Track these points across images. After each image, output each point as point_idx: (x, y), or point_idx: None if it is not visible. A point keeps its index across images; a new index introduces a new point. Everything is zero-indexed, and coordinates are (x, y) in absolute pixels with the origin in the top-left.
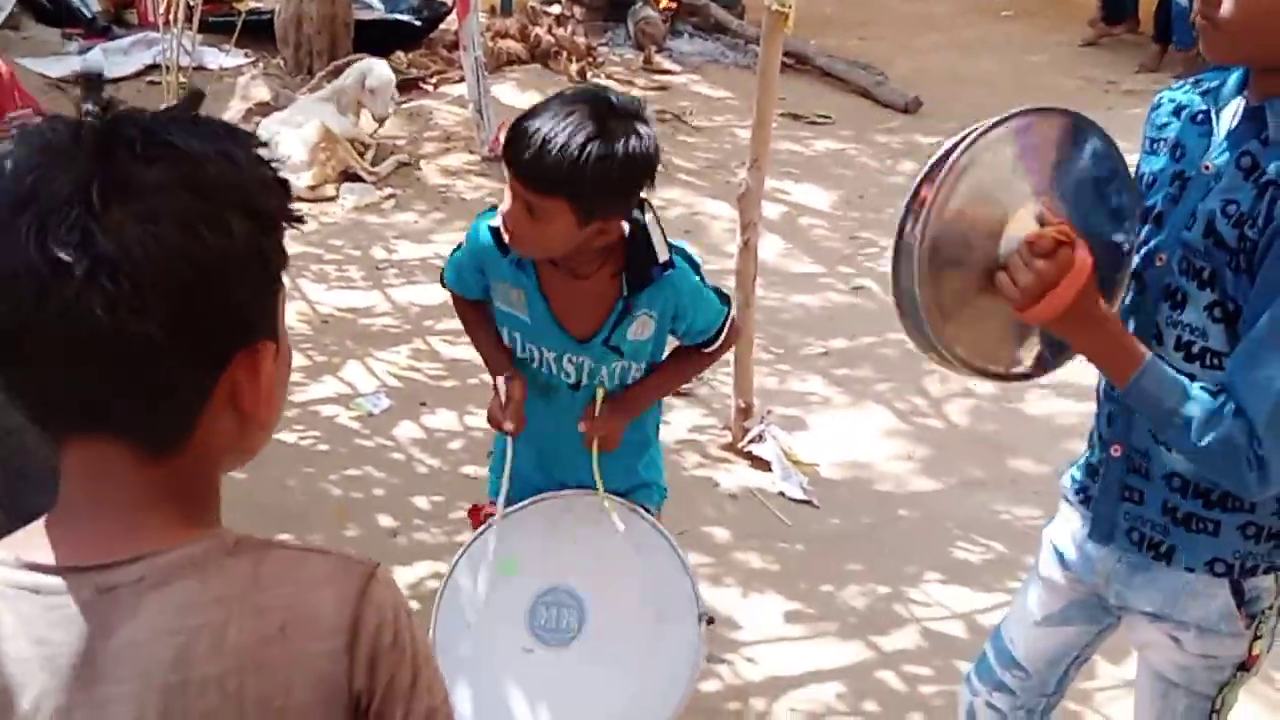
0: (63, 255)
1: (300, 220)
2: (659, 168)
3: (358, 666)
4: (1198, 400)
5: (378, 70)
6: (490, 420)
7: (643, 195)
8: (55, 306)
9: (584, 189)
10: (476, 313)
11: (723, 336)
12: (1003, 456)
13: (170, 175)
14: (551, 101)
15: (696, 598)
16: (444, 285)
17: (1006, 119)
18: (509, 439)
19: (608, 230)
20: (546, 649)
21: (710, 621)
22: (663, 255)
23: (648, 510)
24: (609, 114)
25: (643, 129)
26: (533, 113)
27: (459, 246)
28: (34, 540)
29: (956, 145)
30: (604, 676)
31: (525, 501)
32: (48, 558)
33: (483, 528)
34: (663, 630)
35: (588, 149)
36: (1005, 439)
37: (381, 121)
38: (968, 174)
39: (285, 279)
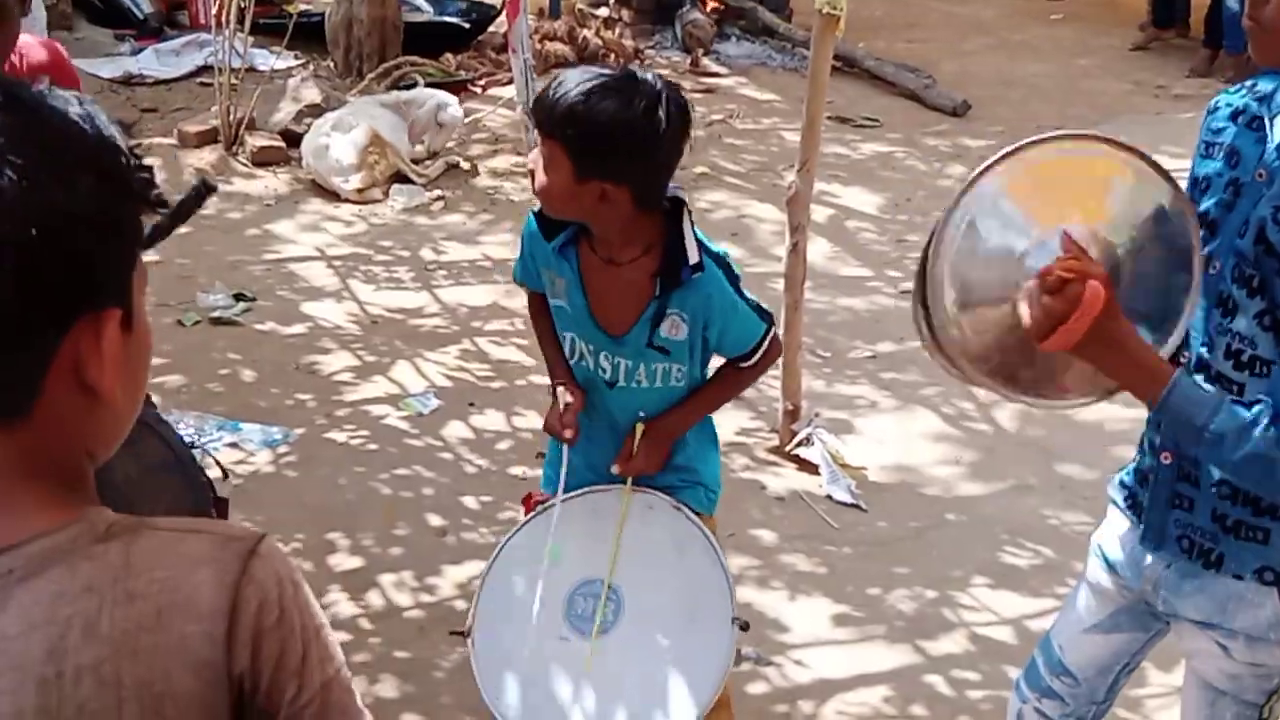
0: None
1: (162, 204)
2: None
3: (238, 649)
4: (1229, 415)
5: (452, 110)
6: (547, 428)
7: (680, 196)
8: None
9: (576, 135)
10: (546, 317)
11: (760, 352)
12: (1051, 461)
13: (16, 125)
14: (599, 65)
15: (732, 600)
16: (515, 281)
17: (1042, 140)
18: (564, 446)
19: (610, 199)
20: (581, 639)
21: (744, 627)
22: (693, 257)
23: (693, 510)
24: (630, 81)
25: (656, 104)
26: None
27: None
28: None
29: (986, 168)
30: (633, 670)
31: (573, 493)
32: None
33: (529, 516)
34: (695, 629)
35: (589, 99)
36: (1053, 444)
37: (434, 155)
38: (987, 200)
39: (332, 279)
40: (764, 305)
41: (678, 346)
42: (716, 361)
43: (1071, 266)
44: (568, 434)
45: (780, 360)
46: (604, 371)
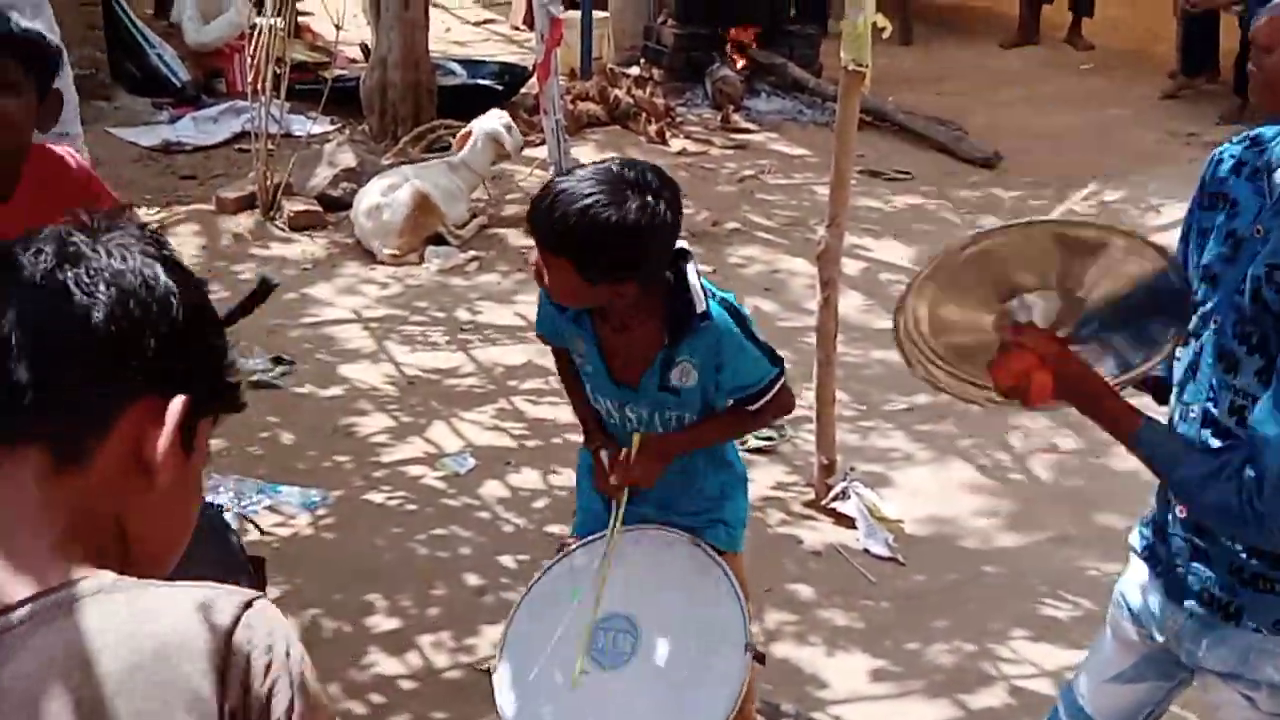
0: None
1: (238, 407)
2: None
3: (230, 687)
4: (1194, 464)
5: (496, 114)
6: (600, 489)
7: (684, 247)
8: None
9: (582, 253)
10: (573, 375)
11: (768, 397)
12: (1089, 512)
13: (136, 239)
14: (583, 168)
15: (745, 629)
16: (539, 337)
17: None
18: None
19: (621, 293)
20: (601, 672)
21: (760, 658)
22: (700, 306)
23: (715, 549)
24: (620, 186)
25: (655, 203)
26: (564, 175)
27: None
28: None
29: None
30: (649, 701)
31: (594, 535)
32: None
33: (554, 559)
34: (709, 659)
35: (588, 216)
36: (1091, 494)
37: (519, 150)
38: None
39: (368, 341)
40: (775, 350)
41: (688, 392)
42: None
43: (1015, 369)
44: (620, 494)
45: (814, 414)
46: (629, 424)
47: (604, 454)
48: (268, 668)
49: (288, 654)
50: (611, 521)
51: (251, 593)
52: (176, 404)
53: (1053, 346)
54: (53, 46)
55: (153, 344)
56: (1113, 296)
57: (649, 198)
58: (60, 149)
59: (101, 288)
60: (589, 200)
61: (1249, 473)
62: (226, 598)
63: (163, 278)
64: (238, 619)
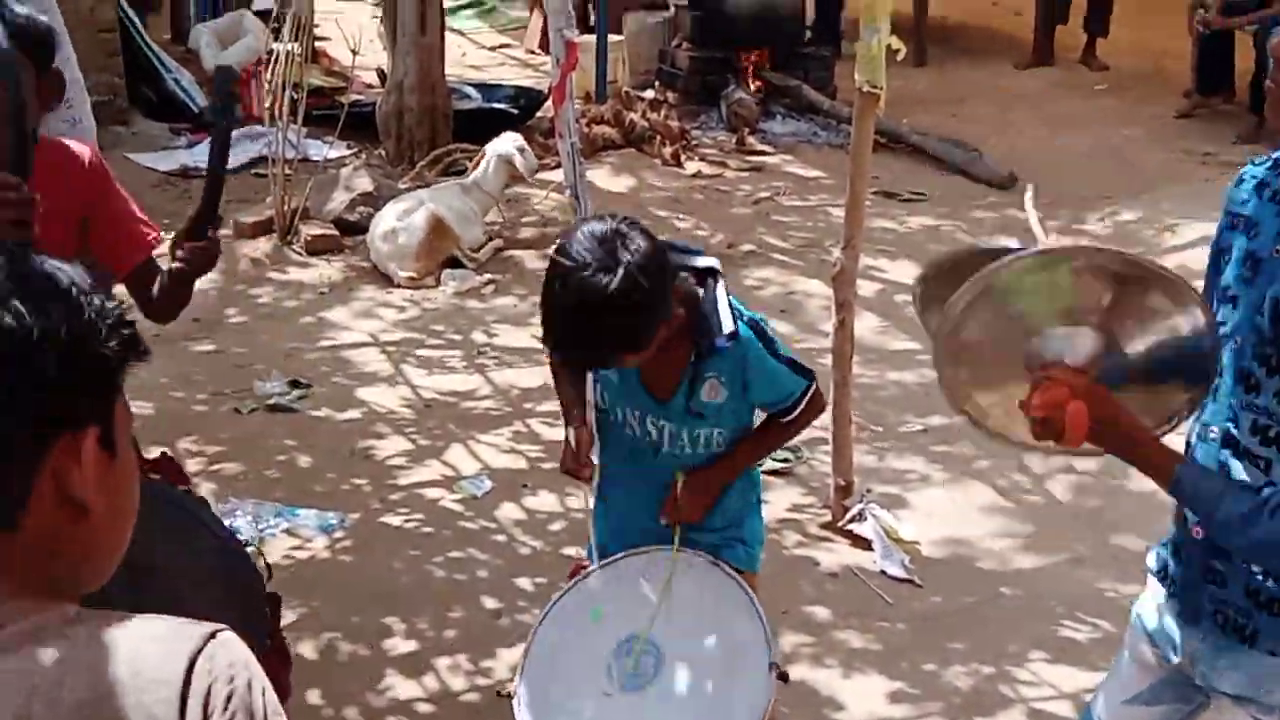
0: None
1: (143, 357)
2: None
3: (190, 718)
4: (1235, 502)
5: (510, 137)
6: (564, 470)
7: (711, 265)
8: None
9: (623, 345)
10: (570, 371)
11: (800, 408)
12: (1106, 533)
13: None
14: (553, 280)
15: (769, 647)
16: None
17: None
18: (597, 499)
19: (669, 327)
20: (624, 693)
21: (784, 677)
22: (728, 327)
23: (733, 567)
24: (598, 265)
25: (631, 247)
26: (545, 296)
27: None
28: None
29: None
30: None
31: (615, 556)
32: None
33: (574, 580)
34: (734, 679)
35: (601, 324)
36: (1109, 515)
37: (532, 173)
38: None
39: (385, 365)
40: (802, 361)
41: (717, 410)
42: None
43: (1048, 400)
44: (585, 472)
45: (830, 436)
46: (650, 436)
47: (572, 433)
48: (228, 699)
49: (249, 687)
50: (674, 549)
51: (214, 626)
52: (90, 446)
53: (1083, 380)
54: (43, 24)
55: (38, 399)
56: (1150, 348)
57: (627, 245)
58: (75, 144)
59: None
60: (593, 303)
61: None
62: (190, 629)
63: (28, 321)
64: (199, 650)
